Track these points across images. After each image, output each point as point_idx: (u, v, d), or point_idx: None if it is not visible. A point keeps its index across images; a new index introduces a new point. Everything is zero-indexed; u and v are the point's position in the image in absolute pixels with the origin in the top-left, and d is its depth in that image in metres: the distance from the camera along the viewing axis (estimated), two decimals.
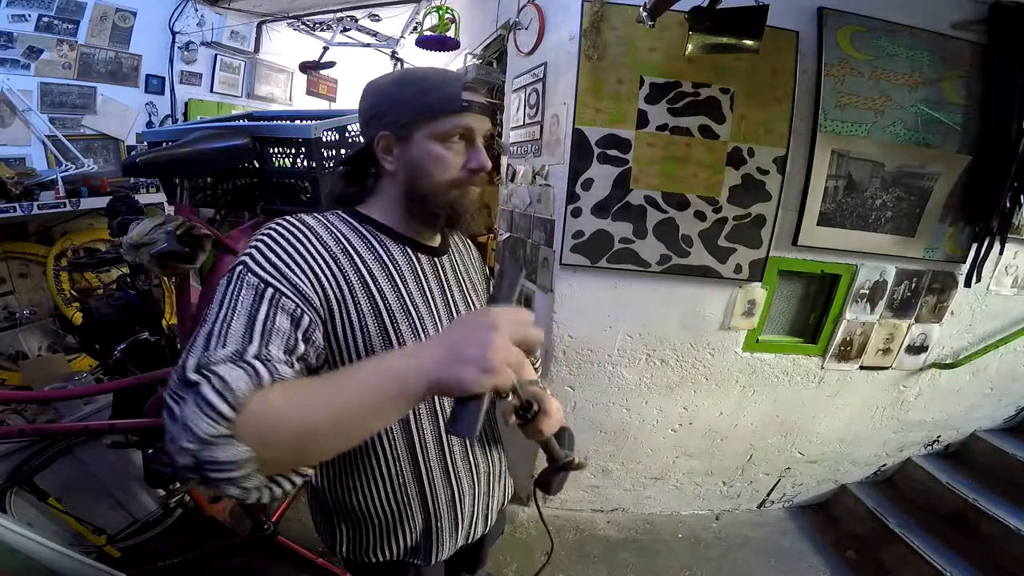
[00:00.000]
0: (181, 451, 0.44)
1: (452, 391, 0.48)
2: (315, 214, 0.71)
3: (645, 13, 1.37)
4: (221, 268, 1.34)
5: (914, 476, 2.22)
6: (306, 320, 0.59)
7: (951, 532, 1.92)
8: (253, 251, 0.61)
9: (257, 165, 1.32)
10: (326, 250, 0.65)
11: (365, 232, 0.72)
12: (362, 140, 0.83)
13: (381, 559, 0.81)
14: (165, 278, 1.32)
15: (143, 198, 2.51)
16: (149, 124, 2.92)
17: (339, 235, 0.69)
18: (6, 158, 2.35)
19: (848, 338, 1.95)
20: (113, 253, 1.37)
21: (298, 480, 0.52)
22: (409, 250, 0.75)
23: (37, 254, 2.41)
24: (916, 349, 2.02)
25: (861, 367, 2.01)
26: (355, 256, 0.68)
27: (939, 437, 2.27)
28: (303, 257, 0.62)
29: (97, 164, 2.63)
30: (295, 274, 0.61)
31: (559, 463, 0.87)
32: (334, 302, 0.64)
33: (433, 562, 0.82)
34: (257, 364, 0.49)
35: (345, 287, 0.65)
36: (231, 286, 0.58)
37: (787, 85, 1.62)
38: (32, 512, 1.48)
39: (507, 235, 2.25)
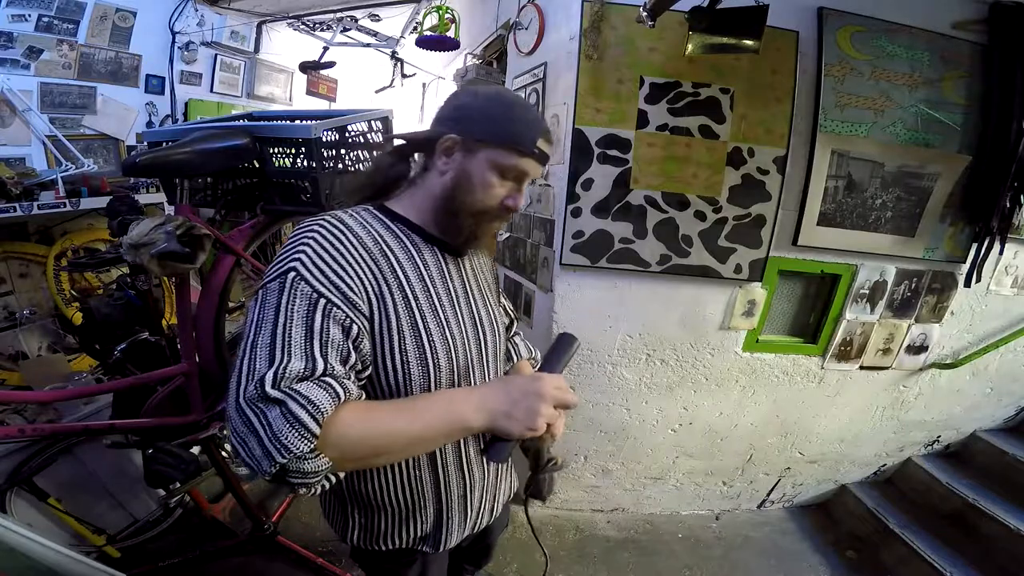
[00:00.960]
0: (270, 461, 0.52)
1: (501, 435, 0.64)
2: (350, 212, 0.73)
3: (645, 13, 1.37)
4: (221, 268, 1.34)
5: (914, 476, 2.22)
6: (355, 329, 0.63)
7: (951, 532, 1.92)
8: (303, 256, 0.63)
9: (257, 165, 1.32)
10: (367, 252, 0.68)
11: (398, 232, 0.74)
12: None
13: (391, 547, 0.83)
14: (165, 278, 1.32)
15: (143, 198, 2.51)
16: (149, 124, 2.92)
17: (376, 235, 0.71)
18: (6, 158, 2.34)
19: (848, 338, 1.95)
20: (113, 253, 1.36)
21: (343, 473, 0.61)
22: (438, 251, 0.77)
23: (37, 254, 2.40)
24: (916, 349, 2.02)
25: (861, 367, 2.01)
26: (392, 257, 0.70)
27: (939, 437, 2.27)
28: (348, 263, 0.65)
29: (97, 164, 2.63)
30: (343, 281, 0.63)
31: (543, 465, 0.91)
32: (375, 304, 0.67)
33: (441, 550, 0.85)
34: (334, 383, 0.57)
35: (385, 289, 0.68)
36: (285, 294, 0.60)
37: (787, 85, 1.62)
38: (32, 512, 1.47)
39: (507, 235, 2.25)
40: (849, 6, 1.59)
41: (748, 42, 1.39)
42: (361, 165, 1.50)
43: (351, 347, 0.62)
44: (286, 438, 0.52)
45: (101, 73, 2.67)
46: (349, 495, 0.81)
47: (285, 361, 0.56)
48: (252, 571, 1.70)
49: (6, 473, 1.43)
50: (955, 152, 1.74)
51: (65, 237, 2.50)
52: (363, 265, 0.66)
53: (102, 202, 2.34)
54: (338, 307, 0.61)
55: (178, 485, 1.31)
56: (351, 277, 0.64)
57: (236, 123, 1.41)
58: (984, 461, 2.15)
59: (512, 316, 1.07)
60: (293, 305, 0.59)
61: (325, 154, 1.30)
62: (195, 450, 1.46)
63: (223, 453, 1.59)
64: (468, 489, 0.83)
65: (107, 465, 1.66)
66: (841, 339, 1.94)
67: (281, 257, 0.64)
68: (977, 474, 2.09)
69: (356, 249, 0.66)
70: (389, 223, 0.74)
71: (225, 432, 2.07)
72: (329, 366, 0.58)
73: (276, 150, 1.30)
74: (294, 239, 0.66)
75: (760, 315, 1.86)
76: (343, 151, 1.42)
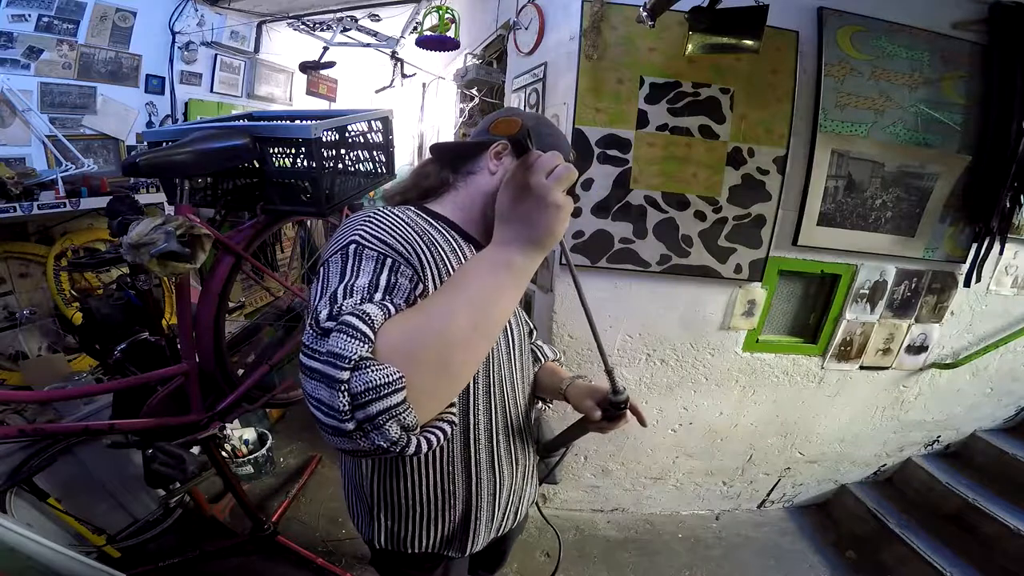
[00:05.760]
0: (335, 388, 0.44)
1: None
2: (394, 209, 0.76)
3: (645, 13, 1.36)
4: (221, 268, 1.33)
5: (914, 476, 2.22)
6: (420, 287, 0.64)
7: (951, 532, 1.92)
8: (363, 232, 0.65)
9: (257, 165, 1.32)
10: (416, 236, 0.70)
11: (440, 228, 0.78)
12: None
13: (418, 550, 0.83)
14: (165, 278, 1.32)
15: (143, 198, 2.50)
16: (149, 124, 2.92)
17: (422, 228, 0.74)
18: (6, 158, 2.34)
19: (848, 338, 1.95)
20: (113, 253, 1.36)
21: (447, 428, 0.53)
22: (475, 249, 0.80)
23: (37, 254, 2.40)
24: (916, 349, 2.02)
25: (861, 367, 2.01)
26: (436, 247, 0.73)
27: (939, 437, 2.27)
28: (405, 240, 0.68)
29: (97, 164, 2.62)
30: (405, 252, 0.65)
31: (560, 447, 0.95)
32: (429, 279, 0.68)
33: (467, 553, 0.85)
34: (387, 303, 0.53)
35: (434, 270, 0.70)
36: (350, 260, 0.60)
37: (787, 85, 1.62)
38: (32, 512, 1.47)
39: None
40: (849, 6, 1.59)
41: (748, 42, 1.39)
42: (361, 165, 1.50)
43: (417, 296, 0.61)
44: (339, 347, 0.45)
45: (101, 73, 2.67)
46: (377, 497, 0.82)
47: (342, 301, 0.52)
48: (252, 571, 1.70)
49: (6, 473, 1.42)
50: (955, 152, 1.74)
51: (65, 237, 2.49)
52: (415, 246, 0.68)
53: (102, 202, 2.34)
54: (404, 265, 0.63)
55: (178, 485, 1.31)
56: (410, 252, 0.66)
57: (236, 123, 1.40)
58: (984, 461, 2.15)
59: (531, 325, 1.09)
60: (359, 264, 0.59)
61: (325, 154, 1.29)
62: (195, 450, 1.46)
63: (223, 453, 1.59)
64: (497, 488, 0.84)
65: (107, 465, 1.66)
66: (841, 339, 1.94)
67: (335, 241, 0.65)
68: (977, 474, 2.09)
69: (407, 232, 0.69)
70: (431, 220, 0.78)
71: (225, 432, 2.08)
72: (387, 299, 0.54)
73: (276, 150, 1.30)
74: (345, 227, 0.67)
75: (760, 315, 1.86)
76: (343, 151, 1.42)
